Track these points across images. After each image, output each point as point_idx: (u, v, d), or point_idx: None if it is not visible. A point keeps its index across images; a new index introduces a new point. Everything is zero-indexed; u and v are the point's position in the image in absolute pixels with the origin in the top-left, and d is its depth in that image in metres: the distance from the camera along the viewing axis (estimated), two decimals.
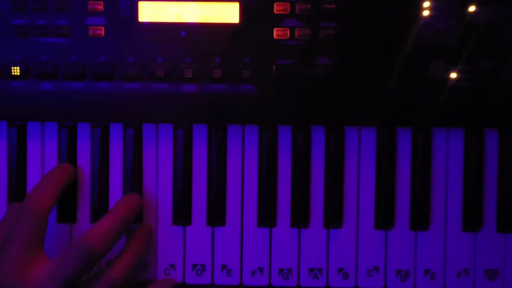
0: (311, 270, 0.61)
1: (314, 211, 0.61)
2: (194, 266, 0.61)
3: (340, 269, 0.61)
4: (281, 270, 0.61)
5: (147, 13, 0.58)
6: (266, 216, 0.61)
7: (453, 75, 0.58)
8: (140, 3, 0.58)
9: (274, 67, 0.58)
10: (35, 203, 0.54)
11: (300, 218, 0.61)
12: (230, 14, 0.58)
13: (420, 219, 0.60)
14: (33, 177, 0.61)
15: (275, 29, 0.58)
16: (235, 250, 0.61)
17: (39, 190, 0.56)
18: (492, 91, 0.58)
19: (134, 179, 0.60)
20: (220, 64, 0.58)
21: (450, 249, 0.61)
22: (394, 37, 0.58)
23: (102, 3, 0.58)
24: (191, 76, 0.58)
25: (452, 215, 0.61)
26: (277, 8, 0.58)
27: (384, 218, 0.60)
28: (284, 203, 0.61)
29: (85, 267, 0.53)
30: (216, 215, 0.61)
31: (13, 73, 0.58)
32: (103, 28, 0.58)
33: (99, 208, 0.60)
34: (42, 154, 0.61)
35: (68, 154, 0.60)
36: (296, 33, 0.58)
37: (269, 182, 0.60)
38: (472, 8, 0.57)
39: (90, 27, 0.58)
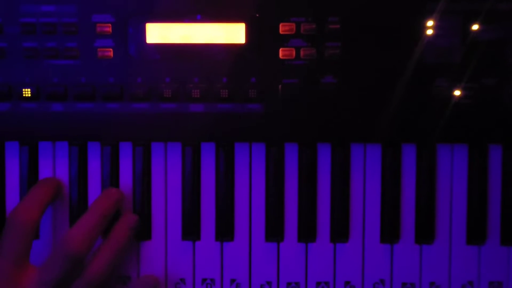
0: (318, 283, 0.62)
1: (320, 226, 0.62)
2: (204, 280, 0.62)
3: (347, 283, 0.62)
4: (289, 284, 0.62)
5: (154, 35, 0.59)
6: (274, 231, 0.62)
7: (457, 92, 0.58)
8: (148, 25, 0.59)
9: (280, 86, 0.59)
10: (22, 216, 0.56)
11: (307, 233, 0.62)
12: (237, 35, 0.59)
13: (425, 232, 0.61)
14: None
15: (281, 49, 0.59)
16: (243, 264, 0.62)
17: (26, 203, 0.57)
18: (495, 108, 0.59)
19: (143, 196, 0.62)
20: (227, 84, 0.59)
21: (455, 262, 0.62)
22: (398, 55, 0.58)
23: (110, 25, 0.59)
24: (198, 96, 0.59)
25: (457, 229, 0.62)
26: (282, 29, 0.58)
27: (389, 232, 0.61)
28: (291, 218, 0.62)
29: (69, 270, 0.55)
30: (225, 230, 0.62)
31: (24, 95, 0.59)
32: (111, 49, 0.59)
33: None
34: (54, 173, 0.62)
35: (79, 172, 0.61)
36: (302, 53, 0.59)
37: (276, 198, 0.62)
38: (475, 27, 0.58)
39: (98, 49, 0.59)
